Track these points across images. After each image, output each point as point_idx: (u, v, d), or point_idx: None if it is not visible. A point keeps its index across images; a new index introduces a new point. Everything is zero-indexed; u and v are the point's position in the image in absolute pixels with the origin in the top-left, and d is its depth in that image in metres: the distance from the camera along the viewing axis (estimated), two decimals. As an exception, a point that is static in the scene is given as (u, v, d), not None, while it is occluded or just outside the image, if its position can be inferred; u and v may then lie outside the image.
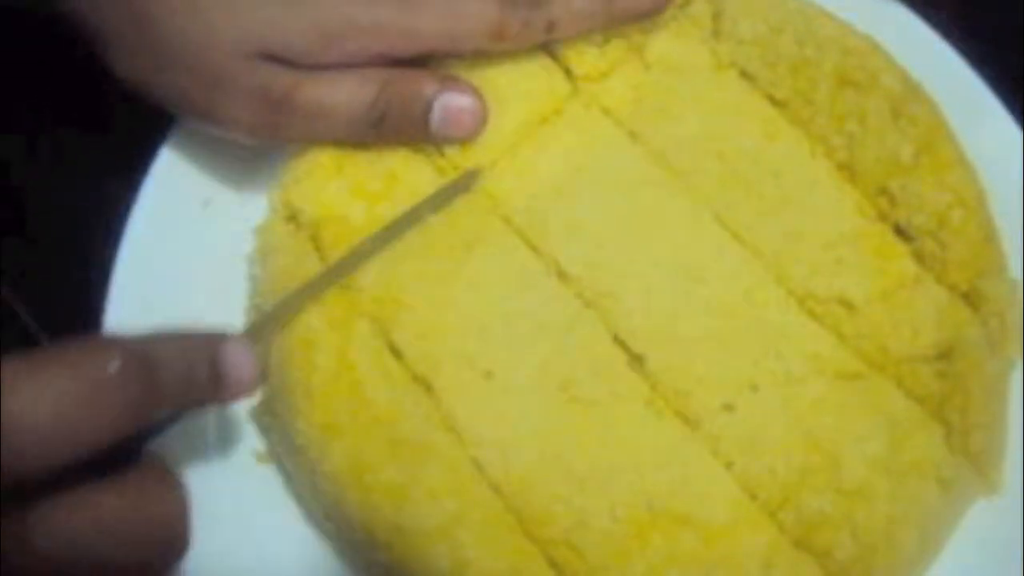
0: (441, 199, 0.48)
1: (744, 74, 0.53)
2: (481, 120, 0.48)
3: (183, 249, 0.48)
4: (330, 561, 0.45)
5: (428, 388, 0.45)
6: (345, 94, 0.46)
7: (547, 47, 0.51)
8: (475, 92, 0.47)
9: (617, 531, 0.43)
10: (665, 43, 0.53)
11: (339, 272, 0.46)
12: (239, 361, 0.38)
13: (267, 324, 0.45)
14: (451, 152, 0.49)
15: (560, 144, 0.50)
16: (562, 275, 0.48)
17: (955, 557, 0.46)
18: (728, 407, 0.46)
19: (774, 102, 0.52)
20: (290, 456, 0.45)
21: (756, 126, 0.52)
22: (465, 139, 0.48)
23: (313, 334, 0.46)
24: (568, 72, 0.51)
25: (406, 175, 0.48)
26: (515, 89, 0.50)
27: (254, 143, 0.47)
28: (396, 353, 0.46)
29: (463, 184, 0.49)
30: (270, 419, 0.46)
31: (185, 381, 0.36)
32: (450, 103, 0.47)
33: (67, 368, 0.32)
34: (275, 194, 0.49)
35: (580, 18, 0.48)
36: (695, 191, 0.50)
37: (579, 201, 0.49)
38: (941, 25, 0.55)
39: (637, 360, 0.47)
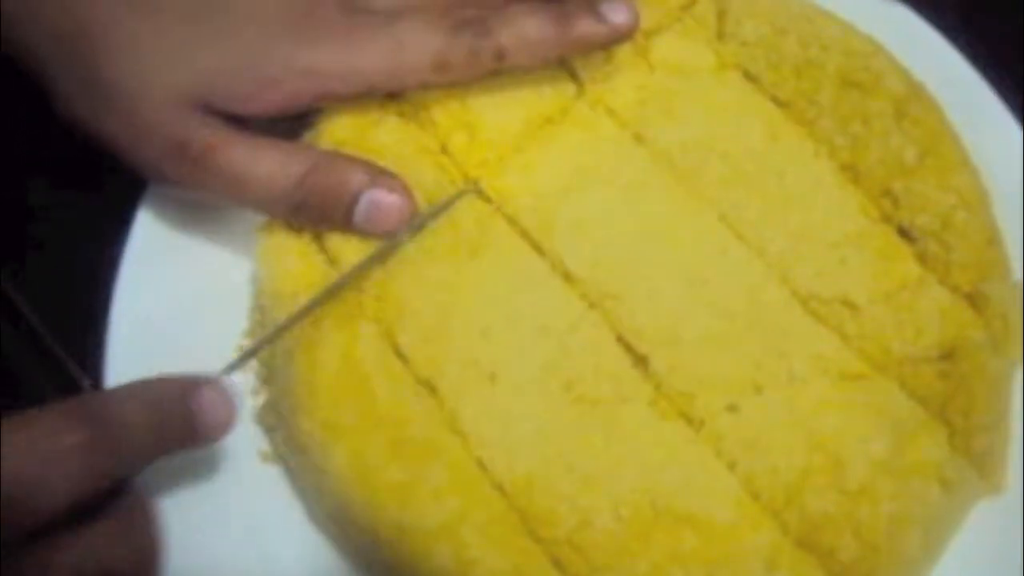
0: (436, 212, 0.48)
1: (748, 75, 0.53)
2: (406, 216, 0.46)
3: (188, 248, 0.48)
4: (334, 561, 0.45)
5: (432, 390, 0.45)
6: (266, 168, 0.45)
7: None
8: (404, 189, 0.46)
9: (621, 531, 0.43)
10: (669, 44, 0.53)
11: (332, 293, 0.46)
12: (213, 407, 0.39)
13: (257, 350, 0.45)
14: (455, 151, 0.49)
15: (565, 145, 0.50)
16: (567, 276, 0.48)
17: (958, 558, 0.46)
18: (732, 407, 0.46)
19: (778, 103, 0.52)
20: (294, 456, 0.46)
21: (760, 127, 0.52)
22: (384, 236, 0.46)
23: (318, 333, 0.46)
24: (573, 73, 0.52)
25: (411, 173, 0.48)
26: (520, 90, 0.50)
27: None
28: (401, 356, 0.46)
29: (461, 196, 0.48)
30: (274, 419, 0.46)
31: (155, 434, 0.38)
32: (378, 199, 0.45)
33: (25, 441, 0.34)
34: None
35: (532, 46, 0.47)
36: (699, 192, 0.50)
37: (584, 202, 0.49)
38: (945, 27, 0.55)
39: (641, 361, 0.47)
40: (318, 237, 0.48)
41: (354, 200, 0.45)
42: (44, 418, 0.35)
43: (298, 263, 0.47)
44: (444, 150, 0.49)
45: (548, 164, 0.50)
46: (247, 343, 0.48)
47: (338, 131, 0.49)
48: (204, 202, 0.47)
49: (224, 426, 0.40)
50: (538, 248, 0.48)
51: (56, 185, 0.53)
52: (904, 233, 0.50)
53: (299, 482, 0.46)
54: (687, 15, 0.53)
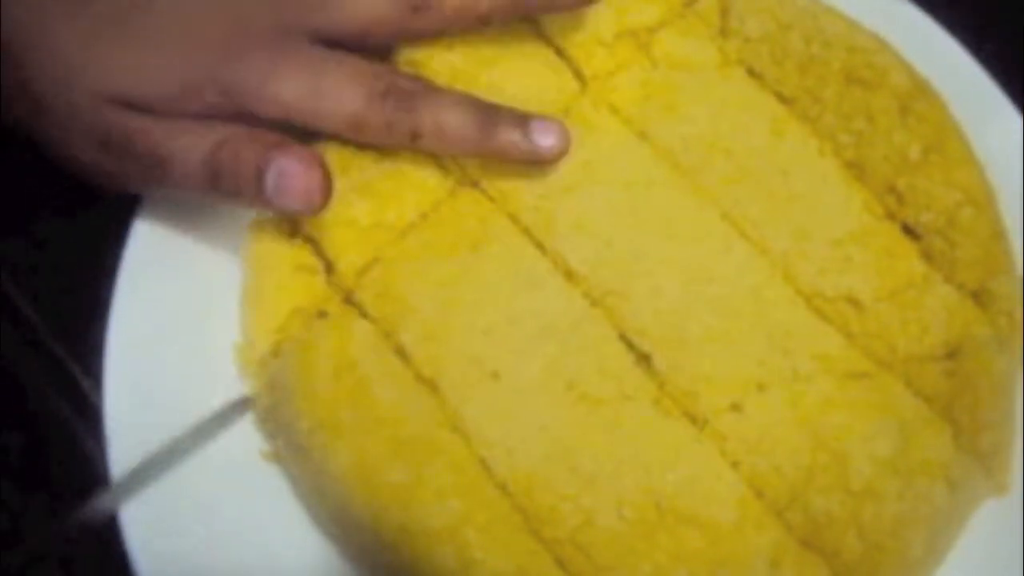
0: (218, 423, 0.46)
1: (752, 72, 0.53)
2: (321, 192, 0.43)
3: (188, 247, 0.48)
4: (336, 562, 0.45)
5: (434, 388, 0.45)
6: (182, 143, 0.44)
7: (556, 45, 0.51)
8: (313, 159, 0.43)
9: (624, 530, 0.43)
10: (673, 41, 0.52)
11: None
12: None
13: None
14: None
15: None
16: (569, 274, 0.48)
17: (963, 557, 0.46)
18: (735, 406, 0.46)
19: (782, 100, 0.52)
20: (295, 458, 0.45)
21: (764, 124, 0.52)
22: (303, 212, 0.44)
23: (311, 336, 0.46)
24: (576, 70, 0.51)
25: (413, 174, 0.48)
26: (523, 88, 0.50)
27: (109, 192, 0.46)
28: (402, 354, 0.46)
29: (235, 409, 0.47)
30: (275, 425, 0.46)
31: None
32: (285, 168, 0.43)
33: None
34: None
35: (448, 139, 0.46)
36: (703, 189, 0.50)
37: (587, 199, 0.49)
38: (950, 22, 0.54)
39: (644, 359, 0.47)
40: (316, 239, 0.47)
41: (262, 170, 0.43)
42: None
43: (288, 271, 0.48)
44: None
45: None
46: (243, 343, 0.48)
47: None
48: (199, 203, 0.48)
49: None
50: (540, 246, 0.48)
51: (56, 184, 0.53)
52: (909, 230, 0.49)
53: (301, 485, 0.46)
54: (690, 11, 0.53)
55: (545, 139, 0.46)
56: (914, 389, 0.47)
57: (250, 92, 0.44)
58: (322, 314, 0.47)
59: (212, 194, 0.44)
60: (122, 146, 0.44)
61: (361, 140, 0.47)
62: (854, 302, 0.48)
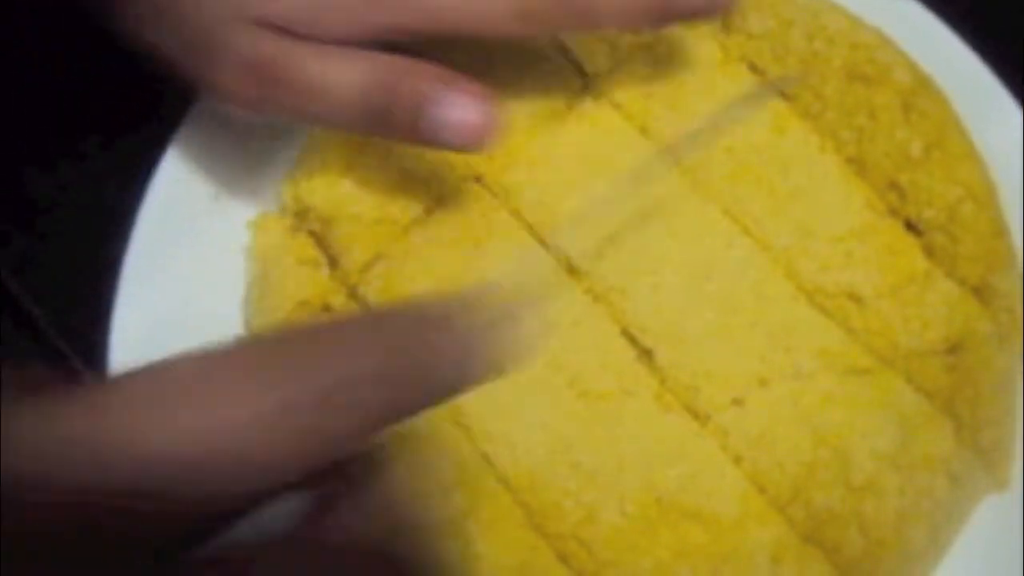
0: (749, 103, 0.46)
1: (753, 68, 0.53)
2: (485, 131, 0.41)
3: (192, 242, 0.48)
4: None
5: None
6: (343, 74, 0.41)
7: (558, 42, 0.51)
8: (483, 96, 0.41)
9: (626, 526, 0.43)
10: (675, 37, 0.52)
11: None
12: (463, 348, 0.30)
13: None
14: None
15: (570, 139, 0.50)
16: (571, 270, 0.48)
17: (964, 552, 0.46)
18: (737, 402, 0.46)
19: (783, 96, 0.52)
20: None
21: (765, 121, 0.52)
22: (467, 149, 0.42)
23: None
24: (579, 67, 0.51)
25: (418, 170, 0.48)
26: (526, 85, 0.50)
27: (245, 115, 0.44)
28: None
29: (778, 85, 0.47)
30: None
31: (396, 390, 0.29)
32: (452, 102, 0.41)
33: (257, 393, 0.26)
34: (285, 189, 0.49)
35: (624, 11, 0.43)
36: (704, 185, 0.50)
37: (589, 196, 0.49)
38: (952, 19, 0.54)
39: (646, 354, 0.47)
40: (321, 234, 0.48)
41: (423, 104, 0.41)
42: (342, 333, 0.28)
43: (293, 264, 0.48)
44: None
45: (553, 158, 0.50)
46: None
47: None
48: (209, 194, 0.47)
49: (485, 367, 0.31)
50: (543, 242, 0.48)
51: (59, 179, 0.53)
52: (911, 226, 0.49)
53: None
54: (692, 7, 0.53)
55: None
56: (915, 385, 0.47)
57: (398, 2, 0.42)
58: (327, 308, 0.47)
59: (365, 126, 0.43)
60: (274, 73, 0.41)
61: (527, 32, 0.44)
62: (855, 298, 0.48)
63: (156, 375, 0.25)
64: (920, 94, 0.50)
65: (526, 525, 0.44)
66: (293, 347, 0.27)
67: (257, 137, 0.50)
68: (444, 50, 0.49)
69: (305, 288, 0.47)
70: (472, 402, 0.45)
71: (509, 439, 0.44)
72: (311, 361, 0.26)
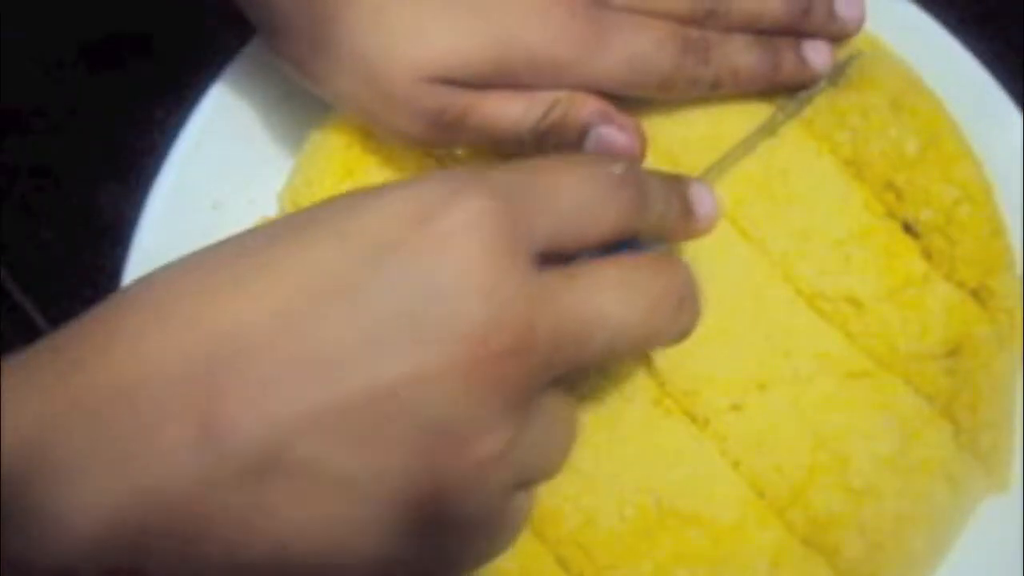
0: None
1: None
2: (632, 153, 0.46)
3: (192, 250, 0.48)
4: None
5: None
6: (514, 115, 0.46)
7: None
8: (633, 130, 0.46)
9: (625, 530, 0.43)
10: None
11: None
12: (706, 199, 0.40)
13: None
14: (460, 152, 0.49)
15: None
16: (572, 275, 0.48)
17: (964, 555, 0.46)
18: (736, 406, 0.46)
19: (778, 106, 0.52)
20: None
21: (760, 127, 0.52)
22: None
23: None
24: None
25: (418, 175, 0.48)
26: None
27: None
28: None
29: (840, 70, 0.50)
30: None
31: (665, 204, 0.38)
32: (606, 137, 0.46)
33: (590, 166, 0.35)
34: (284, 196, 0.49)
35: (742, 82, 0.49)
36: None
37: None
38: (949, 21, 0.54)
39: (644, 358, 0.47)
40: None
41: (584, 134, 0.46)
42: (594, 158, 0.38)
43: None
44: (451, 153, 0.49)
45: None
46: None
47: (347, 128, 0.49)
48: (210, 202, 0.48)
49: (713, 220, 0.41)
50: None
51: (59, 185, 0.53)
52: (909, 229, 0.49)
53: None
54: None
55: (819, 58, 0.50)
56: (914, 388, 0.47)
57: (568, 73, 0.46)
58: None
59: (532, 149, 0.47)
60: (455, 122, 0.45)
61: (669, 97, 0.49)
62: (854, 302, 0.48)
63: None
64: (909, 93, 0.50)
65: (526, 530, 0.44)
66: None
67: (257, 145, 0.50)
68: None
69: None
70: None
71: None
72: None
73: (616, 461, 0.45)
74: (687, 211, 0.40)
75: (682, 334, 0.38)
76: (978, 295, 0.48)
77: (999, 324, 0.47)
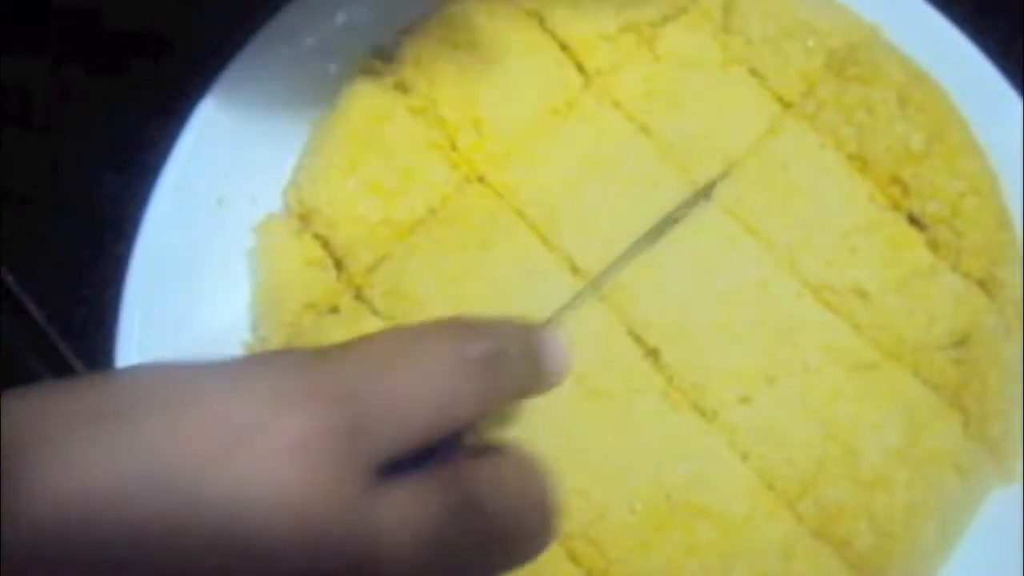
0: (679, 212, 0.47)
1: (754, 72, 0.53)
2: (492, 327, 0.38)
3: (197, 246, 0.48)
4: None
5: None
6: None
7: (559, 39, 0.51)
8: None
9: (636, 524, 0.43)
10: (676, 36, 0.53)
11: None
12: (558, 353, 0.37)
13: None
14: (464, 146, 0.49)
15: (571, 138, 0.50)
16: (574, 269, 0.48)
17: (974, 544, 0.46)
18: (744, 399, 0.46)
19: (781, 102, 0.52)
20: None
21: (764, 120, 0.52)
22: None
23: (325, 331, 0.46)
24: (580, 65, 0.51)
25: (421, 171, 0.48)
26: (527, 82, 0.50)
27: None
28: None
29: (703, 193, 0.48)
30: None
31: (518, 372, 0.35)
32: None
33: (435, 349, 0.32)
34: (289, 192, 0.49)
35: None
36: (705, 185, 0.50)
37: (591, 194, 0.49)
38: (953, 13, 0.54)
39: (652, 353, 0.47)
40: (326, 236, 0.47)
41: None
42: (442, 329, 0.33)
43: (299, 265, 0.47)
44: (453, 146, 0.49)
45: (555, 157, 0.50)
46: (253, 341, 0.48)
47: (350, 123, 0.49)
48: (214, 198, 0.47)
49: (564, 373, 0.37)
50: (546, 241, 0.48)
51: (61, 182, 0.53)
52: (914, 220, 0.49)
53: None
54: (693, 7, 0.53)
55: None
56: (922, 378, 0.47)
57: None
58: (333, 310, 0.47)
59: None
60: None
61: None
62: (861, 293, 0.48)
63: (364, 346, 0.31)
64: (916, 87, 0.51)
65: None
66: (462, 323, 0.34)
67: (261, 141, 0.50)
68: (448, 51, 0.50)
69: (312, 290, 0.47)
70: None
71: (517, 439, 0.44)
72: (480, 332, 0.33)
73: (625, 455, 0.45)
74: (540, 372, 0.36)
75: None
76: (985, 285, 0.48)
77: (1006, 314, 0.47)
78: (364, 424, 0.29)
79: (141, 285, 0.46)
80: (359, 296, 0.47)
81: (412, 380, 0.31)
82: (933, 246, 0.49)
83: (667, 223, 0.48)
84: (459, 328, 0.33)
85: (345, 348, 0.31)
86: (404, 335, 0.32)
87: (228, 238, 0.48)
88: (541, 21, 0.52)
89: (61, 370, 0.49)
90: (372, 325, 0.46)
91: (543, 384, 0.37)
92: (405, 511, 0.30)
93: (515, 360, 0.34)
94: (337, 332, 0.46)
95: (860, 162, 0.51)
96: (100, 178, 0.52)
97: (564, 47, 0.51)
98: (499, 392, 0.34)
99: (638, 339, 0.47)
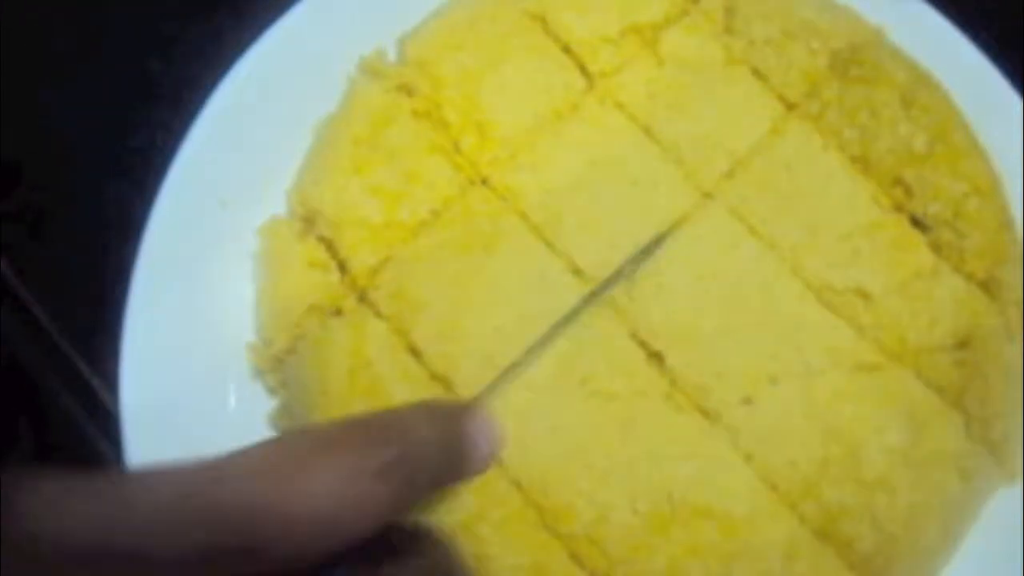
0: (580, 308, 0.47)
1: (757, 72, 0.53)
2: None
3: (201, 249, 0.48)
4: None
5: (448, 386, 0.45)
6: None
7: (562, 42, 0.51)
8: None
9: (638, 525, 0.43)
10: (678, 38, 0.53)
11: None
12: (484, 440, 0.37)
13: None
14: (468, 149, 0.49)
15: (575, 140, 0.50)
16: (577, 271, 0.48)
17: (976, 546, 0.46)
18: (747, 400, 0.46)
19: (785, 103, 0.52)
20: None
21: (765, 122, 0.52)
22: None
23: (327, 335, 0.46)
24: (583, 67, 0.52)
25: (424, 173, 0.48)
26: (531, 84, 0.50)
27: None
28: (415, 352, 0.46)
29: (606, 286, 0.47)
30: (289, 421, 0.46)
31: (437, 467, 0.35)
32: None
33: (335, 464, 0.31)
34: (293, 195, 0.49)
35: None
36: (708, 186, 0.50)
37: (594, 197, 0.49)
38: (951, 10, 0.55)
39: (656, 356, 0.47)
40: (331, 239, 0.48)
41: None
42: (344, 439, 0.32)
43: (302, 268, 0.48)
44: (457, 149, 0.49)
45: (558, 160, 0.50)
46: (258, 343, 0.48)
47: (354, 126, 0.49)
48: (217, 200, 0.48)
49: (491, 458, 0.37)
50: (550, 244, 0.48)
51: (65, 184, 0.53)
52: (917, 222, 0.49)
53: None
54: (695, 9, 0.53)
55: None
56: (925, 380, 0.47)
57: None
58: (337, 312, 0.47)
59: None
60: None
61: None
62: (863, 294, 0.48)
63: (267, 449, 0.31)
64: (920, 89, 0.51)
65: (538, 526, 0.44)
66: (367, 427, 0.33)
67: (264, 143, 0.50)
68: (451, 52, 0.50)
69: (315, 292, 0.47)
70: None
71: (521, 441, 0.44)
72: (386, 436, 0.32)
73: (629, 457, 0.45)
74: (462, 461, 0.35)
75: None
76: (987, 287, 0.48)
77: (1008, 316, 0.48)
78: (261, 547, 0.29)
79: (146, 287, 0.46)
80: (362, 299, 0.47)
81: (309, 500, 0.30)
82: (935, 247, 0.49)
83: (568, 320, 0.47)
84: (363, 437, 0.32)
85: (245, 462, 0.30)
86: (306, 446, 0.31)
87: (232, 240, 0.48)
88: (544, 24, 0.52)
89: (65, 372, 0.50)
90: (375, 328, 0.46)
91: (467, 471, 0.36)
92: None
93: (429, 457, 0.33)
94: (341, 334, 0.46)
95: (863, 163, 0.51)
96: (105, 180, 0.52)
97: (567, 50, 0.52)
98: (408, 496, 0.32)
99: (642, 343, 0.47)
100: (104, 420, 0.48)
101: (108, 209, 0.51)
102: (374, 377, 0.45)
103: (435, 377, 0.45)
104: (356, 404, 0.44)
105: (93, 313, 0.48)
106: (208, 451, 0.44)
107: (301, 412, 0.45)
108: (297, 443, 0.32)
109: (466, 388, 0.45)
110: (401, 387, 0.45)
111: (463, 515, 0.43)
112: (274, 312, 0.47)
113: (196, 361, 0.46)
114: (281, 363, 0.47)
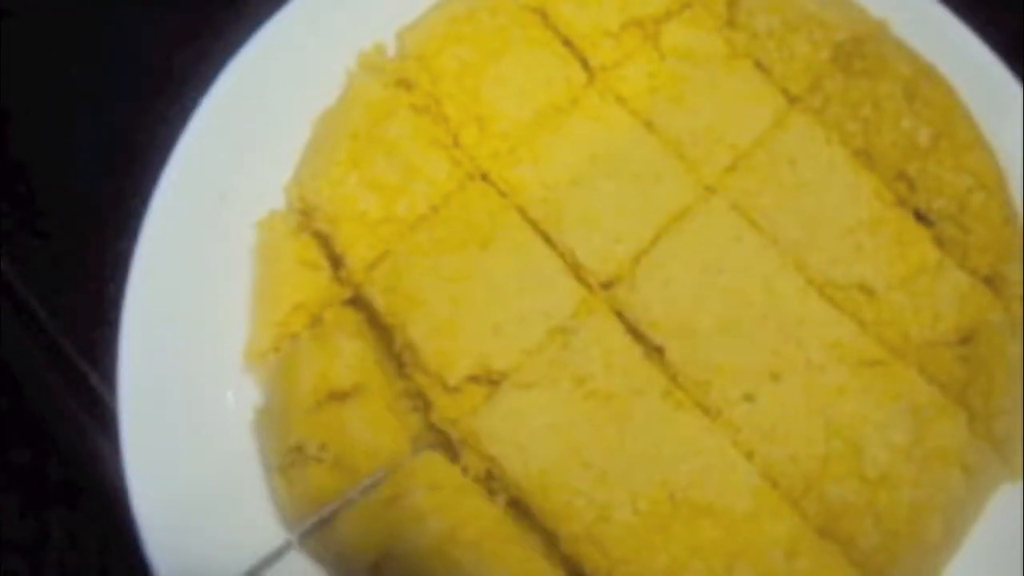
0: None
1: (759, 65, 0.53)
2: None
3: (199, 241, 0.48)
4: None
5: (425, 405, 0.45)
6: None
7: (563, 36, 0.51)
8: None
9: (639, 524, 0.43)
10: (680, 31, 0.52)
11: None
12: None
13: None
14: (467, 143, 0.49)
15: (575, 134, 0.50)
16: (577, 267, 0.48)
17: (980, 542, 0.46)
18: (748, 396, 0.46)
19: (787, 96, 0.52)
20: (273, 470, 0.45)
21: (768, 115, 0.51)
22: None
23: (297, 352, 0.46)
24: (584, 61, 0.51)
25: (424, 167, 0.48)
26: (531, 78, 0.50)
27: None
28: (412, 348, 0.46)
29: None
30: (268, 422, 0.46)
31: None
32: None
33: None
34: (291, 189, 0.49)
35: None
36: (710, 180, 0.50)
37: (595, 191, 0.49)
38: (961, 9, 0.54)
39: (656, 352, 0.46)
40: (327, 234, 0.47)
41: None
42: None
43: (296, 265, 0.48)
44: (456, 143, 0.49)
45: (558, 154, 0.50)
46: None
47: (353, 120, 0.49)
48: (216, 193, 0.48)
49: None
50: (549, 240, 0.48)
51: (63, 179, 0.53)
52: (921, 217, 0.49)
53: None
54: (696, 1, 0.53)
55: None
56: (928, 375, 0.46)
57: None
58: (316, 321, 0.47)
59: None
60: None
61: None
62: (866, 290, 0.47)
63: None
64: (923, 82, 0.50)
65: (515, 539, 0.43)
66: None
67: (263, 136, 0.50)
68: (451, 46, 0.50)
69: (302, 291, 0.47)
70: (479, 408, 0.45)
71: (518, 441, 0.44)
72: None
73: (628, 455, 0.44)
74: None
75: None
76: (991, 282, 0.48)
77: (1012, 311, 0.47)
78: None
79: (144, 280, 0.46)
80: (357, 294, 0.47)
81: None
82: (939, 242, 0.49)
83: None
84: None
85: None
86: None
87: (230, 234, 0.48)
88: (544, 17, 0.52)
89: (64, 366, 0.50)
90: (347, 348, 0.46)
91: None
92: None
93: None
94: (309, 359, 0.46)
95: (866, 157, 0.50)
96: (104, 175, 0.52)
97: (567, 43, 0.51)
98: None
99: (639, 338, 0.47)
100: (102, 415, 0.48)
101: (109, 204, 0.51)
102: (335, 416, 0.45)
103: (408, 394, 0.46)
104: (314, 433, 0.44)
105: (93, 308, 0.48)
106: (205, 445, 0.44)
107: (277, 415, 0.45)
108: None
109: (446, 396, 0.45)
110: (362, 428, 0.45)
111: (430, 539, 0.42)
112: (262, 308, 0.47)
113: (194, 357, 0.46)
114: (266, 359, 0.47)
